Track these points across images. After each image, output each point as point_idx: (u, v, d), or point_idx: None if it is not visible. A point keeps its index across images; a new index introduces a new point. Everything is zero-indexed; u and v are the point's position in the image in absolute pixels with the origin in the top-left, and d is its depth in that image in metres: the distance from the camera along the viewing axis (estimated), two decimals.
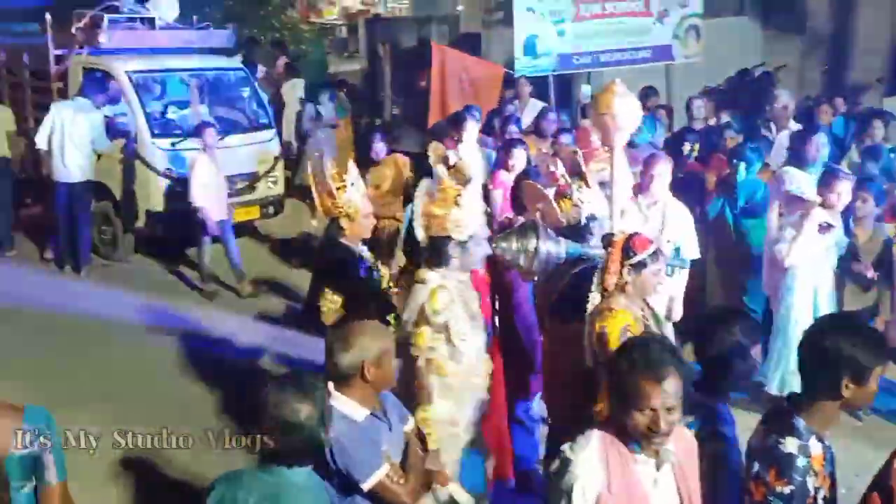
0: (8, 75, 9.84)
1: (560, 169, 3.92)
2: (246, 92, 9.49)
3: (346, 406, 2.96)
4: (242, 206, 8.78)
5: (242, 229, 9.26)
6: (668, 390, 2.38)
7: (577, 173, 4.20)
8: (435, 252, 3.80)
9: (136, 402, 5.82)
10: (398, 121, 11.99)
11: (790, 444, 2.53)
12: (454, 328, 3.73)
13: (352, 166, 4.58)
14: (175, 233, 8.56)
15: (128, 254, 8.85)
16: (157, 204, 8.45)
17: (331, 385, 2.91)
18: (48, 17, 8.96)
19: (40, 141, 8.26)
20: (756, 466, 2.59)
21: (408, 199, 6.32)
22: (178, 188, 8.32)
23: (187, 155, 8.25)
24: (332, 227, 4.63)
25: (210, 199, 7.79)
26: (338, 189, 4.44)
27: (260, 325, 7.45)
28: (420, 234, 3.83)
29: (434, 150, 5.97)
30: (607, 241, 3.67)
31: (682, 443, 2.57)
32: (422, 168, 7.33)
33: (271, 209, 9.12)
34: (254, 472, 2.57)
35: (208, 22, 10.09)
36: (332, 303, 4.38)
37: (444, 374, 3.74)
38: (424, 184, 3.94)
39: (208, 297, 7.96)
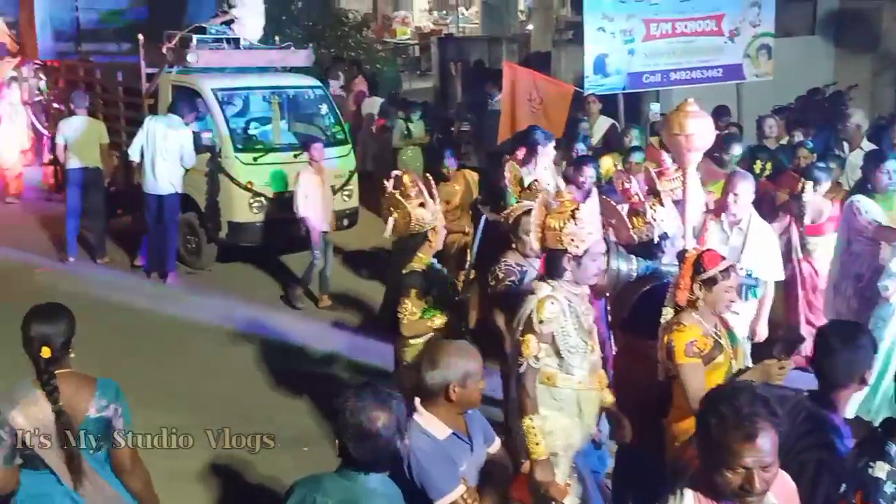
0: (103, 92, 10.41)
1: (634, 186, 4.04)
2: (323, 108, 9.83)
3: (430, 423, 3.02)
4: None
5: None
6: (763, 448, 2.18)
7: (651, 191, 4.30)
8: (549, 264, 3.83)
9: (213, 404, 6.15)
10: (468, 137, 12.21)
11: (880, 469, 2.50)
12: (562, 341, 3.77)
13: (431, 182, 4.78)
14: (255, 243, 8.96)
15: (210, 262, 9.25)
16: (239, 215, 8.83)
17: (417, 400, 3.02)
18: (141, 37, 9.44)
19: (133, 154, 8.73)
20: (844, 487, 2.58)
21: (476, 214, 6.50)
22: (258, 201, 8.75)
23: (289, 168, 8.73)
24: (411, 241, 4.74)
25: (314, 210, 8.18)
26: (419, 205, 4.63)
27: (334, 333, 7.74)
28: (534, 245, 3.91)
29: (510, 168, 6.18)
30: (681, 257, 3.78)
31: (780, 489, 2.40)
32: (490, 184, 7.60)
33: (346, 221, 9.39)
34: (333, 476, 2.61)
35: (289, 42, 10.49)
36: (411, 314, 4.56)
37: (554, 385, 3.81)
38: (541, 195, 3.98)
39: (292, 305, 8.32)
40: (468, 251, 5.44)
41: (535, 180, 6.28)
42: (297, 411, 6.18)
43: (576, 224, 3.71)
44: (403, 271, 4.68)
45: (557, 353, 3.78)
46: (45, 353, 3.13)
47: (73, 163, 9.30)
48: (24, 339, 3.19)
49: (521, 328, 3.79)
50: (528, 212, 4.67)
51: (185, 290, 8.70)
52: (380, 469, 2.59)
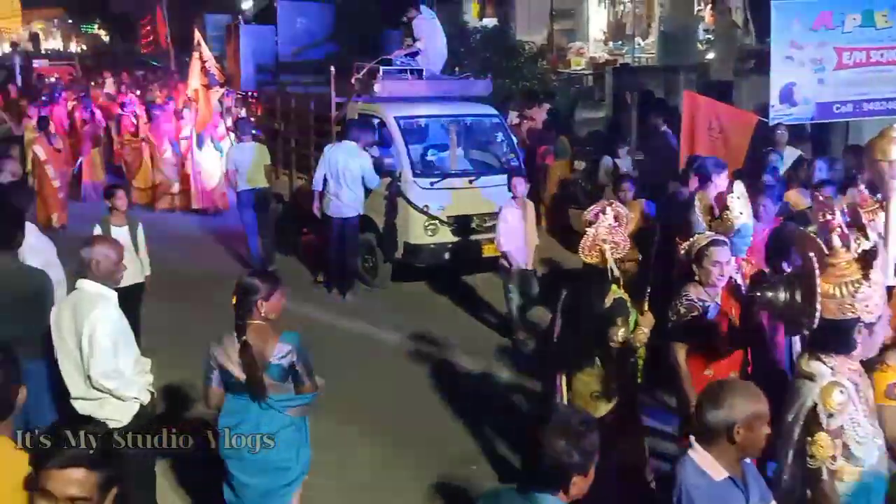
0: (296, 119, 11.17)
1: (838, 218, 3.83)
2: (499, 136, 10.08)
3: (705, 462, 2.89)
4: (491, 243, 9.29)
5: (490, 265, 9.82)
6: None
7: (855, 224, 4.06)
8: (831, 338, 3.36)
9: (383, 417, 6.43)
10: (644, 167, 12.06)
11: None
12: (851, 432, 3.33)
13: (611, 211, 4.73)
14: (430, 264, 9.29)
15: (386, 281, 9.67)
16: (415, 237, 9.19)
17: (692, 437, 2.96)
18: (332, 69, 10.08)
19: (317, 184, 9.28)
20: None
21: (647, 243, 6.40)
22: (433, 224, 9.08)
23: (463, 194, 9.09)
24: (594, 269, 4.67)
25: (515, 244, 7.98)
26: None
27: (503, 354, 7.85)
28: (815, 316, 3.30)
29: (700, 198, 6.05)
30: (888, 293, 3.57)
31: None
32: (662, 212, 7.49)
33: None
34: (511, 492, 2.69)
35: (468, 73, 10.84)
36: (620, 337, 4.50)
37: (840, 480, 3.39)
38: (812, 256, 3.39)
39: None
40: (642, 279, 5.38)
41: (727, 210, 6.14)
42: (465, 430, 6.30)
43: (869, 286, 3.27)
44: (606, 300, 4.65)
45: (844, 445, 3.33)
46: (233, 300, 4.11)
47: (243, 185, 10.16)
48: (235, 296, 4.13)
49: (800, 422, 3.35)
50: (713, 242, 4.65)
51: (362, 306, 9.14)
52: (557, 491, 2.64)
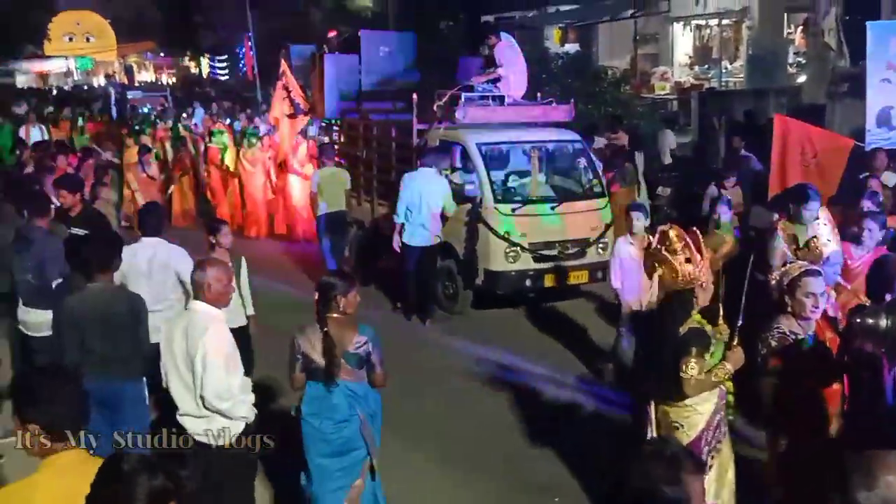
0: (378, 146, 11.29)
1: None
2: (582, 162, 9.94)
3: None
4: (574, 271, 9.19)
5: (572, 293, 9.68)
6: None
7: None
8: None
9: (461, 443, 6.37)
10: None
11: None
12: None
13: (698, 236, 4.55)
14: (511, 291, 9.19)
15: (466, 308, 9.60)
16: (496, 264, 9.10)
17: None
18: (414, 96, 10.15)
19: (399, 216, 9.20)
20: None
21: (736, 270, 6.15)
22: (514, 250, 8.99)
23: (545, 220, 8.98)
24: (677, 298, 4.52)
25: (629, 282, 7.30)
26: (686, 260, 4.44)
27: (582, 385, 7.67)
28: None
29: (783, 227, 5.81)
30: None
31: None
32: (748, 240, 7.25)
33: (600, 274, 9.37)
34: None
35: (550, 98, 10.76)
36: (695, 374, 4.33)
37: None
38: None
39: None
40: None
41: (814, 237, 5.89)
42: (544, 458, 6.17)
43: None
44: (681, 330, 4.42)
45: None
46: (315, 297, 4.62)
47: (324, 208, 10.31)
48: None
49: None
50: (807, 272, 4.44)
51: (442, 333, 9.09)
52: None
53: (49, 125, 18.45)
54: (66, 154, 11.75)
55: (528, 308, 9.64)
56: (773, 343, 4.34)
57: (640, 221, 7.34)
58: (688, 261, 4.44)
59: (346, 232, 10.66)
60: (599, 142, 12.02)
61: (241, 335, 5.79)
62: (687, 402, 4.45)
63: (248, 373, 4.82)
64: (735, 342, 4.46)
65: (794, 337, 4.33)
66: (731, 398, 4.61)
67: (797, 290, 4.37)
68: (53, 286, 6.10)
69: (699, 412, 4.48)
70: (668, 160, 13.71)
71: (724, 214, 7.46)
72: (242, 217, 14.13)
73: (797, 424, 4.33)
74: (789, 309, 4.40)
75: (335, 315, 4.56)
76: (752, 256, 4.74)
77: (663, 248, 4.52)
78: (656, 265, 4.53)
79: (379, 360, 4.65)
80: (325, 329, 4.51)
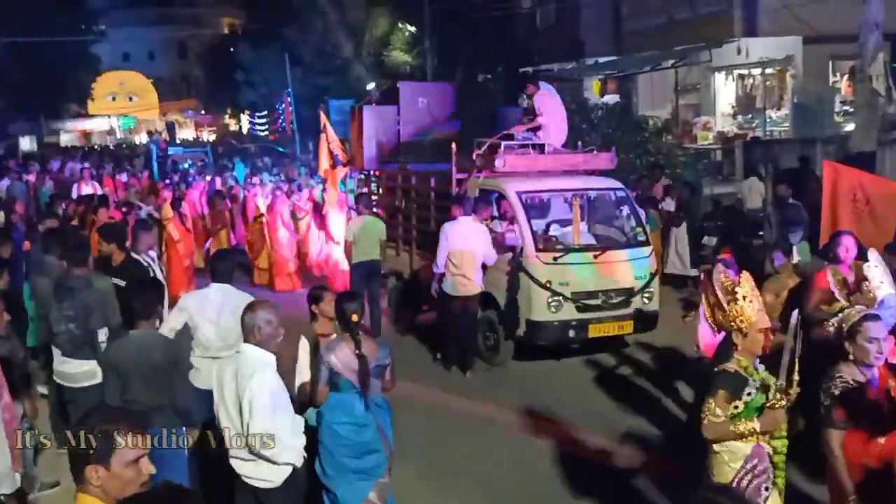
0: (417, 196, 11.21)
1: None
2: (625, 210, 9.74)
3: None
4: (618, 321, 8.91)
5: (615, 343, 9.39)
6: None
7: None
8: None
9: (503, 495, 6.20)
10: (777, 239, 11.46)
11: None
12: None
13: (746, 278, 4.34)
14: (552, 342, 8.95)
15: (507, 359, 9.34)
16: (538, 314, 8.86)
17: None
18: (453, 145, 10.07)
19: (440, 265, 9.08)
20: None
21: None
22: (556, 300, 8.76)
23: (587, 269, 8.80)
24: (730, 340, 4.36)
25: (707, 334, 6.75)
26: (729, 302, 4.25)
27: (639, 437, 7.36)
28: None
29: (833, 273, 5.57)
30: None
31: None
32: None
33: (645, 324, 9.10)
34: None
35: (591, 147, 10.62)
36: (713, 414, 4.12)
37: None
38: None
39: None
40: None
41: (866, 280, 5.68)
42: None
43: None
44: (715, 370, 4.30)
45: None
46: (354, 317, 4.95)
47: (358, 257, 10.24)
48: (338, 313, 5.06)
49: None
50: (867, 317, 4.26)
51: (482, 385, 8.85)
52: None
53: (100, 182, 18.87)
54: (108, 207, 11.92)
55: (571, 360, 9.36)
56: (836, 392, 4.13)
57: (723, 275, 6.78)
58: (731, 302, 4.22)
59: (379, 281, 10.53)
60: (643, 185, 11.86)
61: None
62: (714, 447, 4.19)
63: None
64: (774, 400, 4.14)
65: (855, 384, 4.13)
66: (779, 459, 4.28)
67: (858, 335, 4.20)
68: (99, 335, 6.08)
69: (727, 463, 4.17)
70: (754, 205, 13.53)
71: (779, 260, 7.20)
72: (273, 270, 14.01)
73: (867, 482, 4.03)
74: (851, 356, 4.22)
75: (365, 337, 4.96)
76: (798, 312, 4.47)
77: (714, 290, 4.33)
78: (713, 309, 4.37)
79: (391, 370, 5.11)
80: (360, 350, 4.85)
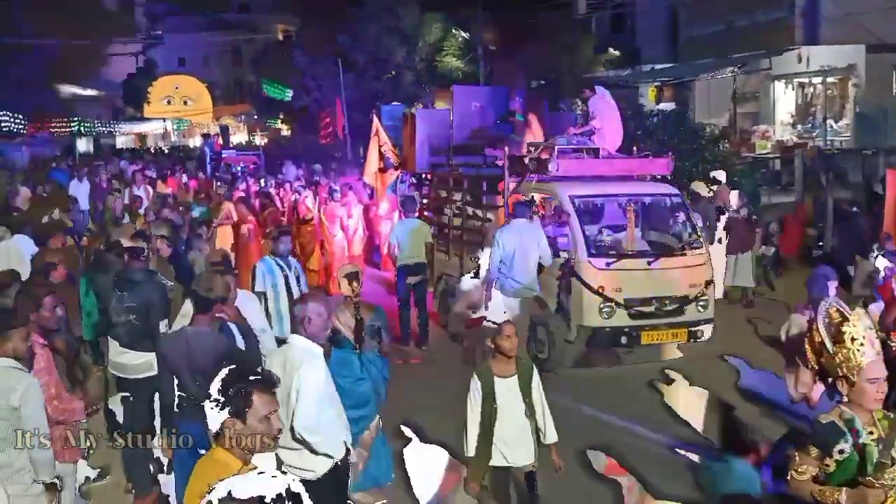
0: (468, 200, 11.14)
1: None
2: (680, 216, 9.55)
3: None
4: (672, 328, 8.73)
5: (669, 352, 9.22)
6: None
7: None
8: None
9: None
10: (838, 251, 11.13)
11: None
12: None
13: (860, 317, 3.65)
14: (604, 347, 8.79)
15: (557, 365, 9.20)
16: (590, 319, 8.72)
17: None
18: (506, 149, 9.98)
19: (493, 271, 8.94)
20: None
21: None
22: (608, 306, 8.60)
23: (641, 275, 8.65)
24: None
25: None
26: (835, 344, 3.64)
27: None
28: None
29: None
30: None
31: None
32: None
33: (699, 333, 8.90)
34: None
35: (647, 151, 10.45)
36: (798, 473, 3.62)
37: None
38: None
39: None
40: None
41: None
42: None
43: None
44: (821, 419, 3.64)
45: None
46: (355, 287, 5.81)
47: (403, 259, 10.21)
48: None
49: None
50: None
51: None
52: None
53: (156, 184, 19.13)
54: (169, 208, 12.11)
55: (624, 366, 9.18)
56: None
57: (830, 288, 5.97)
58: (839, 345, 3.62)
59: (425, 284, 10.47)
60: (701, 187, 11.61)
61: None
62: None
63: None
64: (872, 477, 3.46)
65: None
66: None
67: None
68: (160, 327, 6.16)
69: None
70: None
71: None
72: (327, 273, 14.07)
73: None
74: None
75: (363, 301, 5.77)
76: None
77: (818, 327, 3.72)
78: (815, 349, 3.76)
79: (386, 332, 5.99)
80: (358, 313, 5.63)
